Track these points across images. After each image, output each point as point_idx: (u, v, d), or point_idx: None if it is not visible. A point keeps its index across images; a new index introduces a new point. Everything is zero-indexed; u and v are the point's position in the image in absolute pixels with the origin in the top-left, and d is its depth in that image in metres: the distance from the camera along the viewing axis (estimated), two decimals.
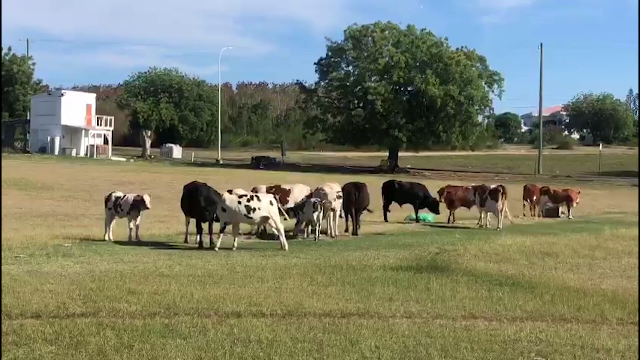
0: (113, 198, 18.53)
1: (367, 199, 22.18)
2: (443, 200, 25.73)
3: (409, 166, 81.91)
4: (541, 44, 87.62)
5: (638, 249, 16.62)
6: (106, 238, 17.91)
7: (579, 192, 31.51)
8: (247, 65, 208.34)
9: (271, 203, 17.33)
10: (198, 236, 17.62)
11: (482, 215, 24.70)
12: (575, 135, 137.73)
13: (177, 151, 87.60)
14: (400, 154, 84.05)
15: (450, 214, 25.78)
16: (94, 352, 7.82)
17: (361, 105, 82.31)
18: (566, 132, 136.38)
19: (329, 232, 20.33)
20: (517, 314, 10.40)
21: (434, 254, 16.47)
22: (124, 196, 18.56)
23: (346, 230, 21.52)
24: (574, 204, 30.19)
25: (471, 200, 25.45)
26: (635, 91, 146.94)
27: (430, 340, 8.70)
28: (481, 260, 15.53)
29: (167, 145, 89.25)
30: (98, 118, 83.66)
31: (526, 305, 10.93)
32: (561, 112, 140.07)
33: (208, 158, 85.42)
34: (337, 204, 20.41)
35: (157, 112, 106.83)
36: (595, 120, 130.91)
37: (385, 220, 25.18)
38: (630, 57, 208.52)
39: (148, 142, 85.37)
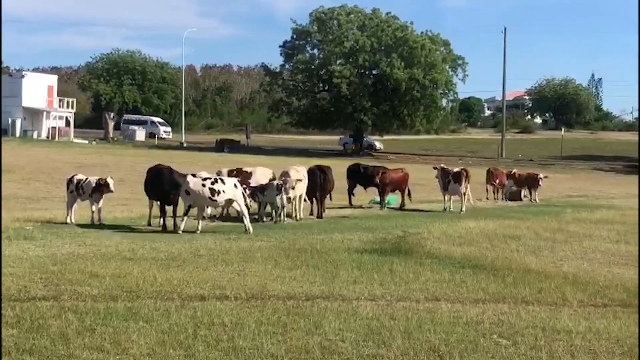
0: (75, 181, 18.37)
1: (332, 182, 22.24)
2: (378, 182, 24.83)
3: (373, 150, 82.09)
4: (504, 28, 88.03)
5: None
6: (68, 221, 17.76)
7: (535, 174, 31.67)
8: (211, 48, 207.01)
9: (235, 186, 17.30)
10: (161, 219, 17.55)
11: (446, 199, 24.83)
12: (538, 120, 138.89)
13: (140, 134, 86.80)
14: (365, 137, 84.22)
15: (382, 198, 25.20)
16: (56, 336, 7.74)
17: (326, 88, 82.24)
18: (529, 117, 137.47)
19: (293, 215, 20.33)
20: (479, 296, 10.49)
21: (398, 237, 16.56)
22: (86, 179, 18.41)
23: (311, 213, 21.56)
24: (538, 187, 30.50)
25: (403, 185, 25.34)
26: (597, 76, 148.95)
27: (393, 322, 8.75)
28: (444, 243, 15.64)
29: (130, 127, 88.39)
30: (60, 100, 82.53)
31: (488, 287, 11.03)
32: (524, 97, 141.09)
33: (172, 141, 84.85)
34: (302, 187, 20.40)
35: (119, 94, 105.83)
36: (557, 104, 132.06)
37: (350, 203, 25.23)
38: (592, 42, 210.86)
39: (110, 125, 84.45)
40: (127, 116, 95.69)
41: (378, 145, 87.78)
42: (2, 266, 11.27)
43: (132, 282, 10.41)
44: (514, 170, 32.34)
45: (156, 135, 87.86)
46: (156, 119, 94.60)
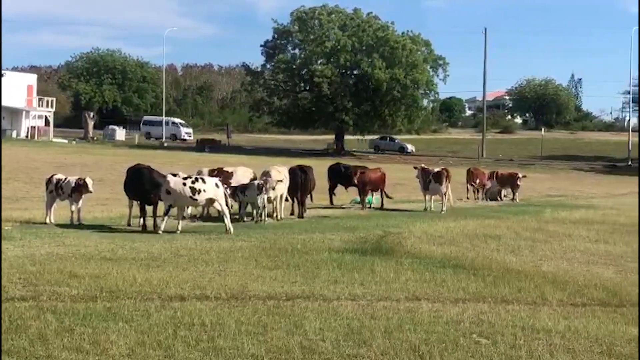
0: (54, 180, 18.27)
1: (313, 182, 22.24)
2: (356, 182, 24.75)
3: (355, 149, 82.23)
4: (485, 29, 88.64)
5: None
6: (47, 221, 17.65)
7: (515, 173, 31.84)
8: (192, 47, 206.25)
9: (217, 185, 17.24)
10: (141, 219, 17.46)
11: (427, 199, 24.88)
12: (518, 120, 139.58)
13: (120, 133, 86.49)
14: (346, 137, 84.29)
15: (361, 197, 24.91)
16: (35, 336, 7.69)
17: (307, 88, 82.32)
18: (509, 117, 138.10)
19: (274, 215, 20.31)
20: (459, 295, 10.51)
21: (378, 236, 16.56)
22: (66, 179, 18.30)
23: (292, 213, 21.54)
24: (518, 187, 30.59)
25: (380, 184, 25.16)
26: (577, 76, 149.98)
27: (374, 322, 8.75)
28: (425, 243, 15.66)
29: (110, 127, 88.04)
30: (39, 99, 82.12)
31: (469, 287, 11.06)
32: (504, 97, 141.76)
33: (152, 140, 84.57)
34: (283, 187, 20.38)
35: (99, 93, 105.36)
36: (537, 104, 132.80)
37: (331, 203, 25.24)
38: (572, 43, 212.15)
39: (90, 124, 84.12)
40: (146, 117, 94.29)
41: (410, 147, 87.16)
42: None
43: (112, 282, 10.35)
44: (497, 171, 32.51)
45: (177, 137, 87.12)
46: (177, 120, 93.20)
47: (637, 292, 11.07)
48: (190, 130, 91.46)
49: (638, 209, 23.56)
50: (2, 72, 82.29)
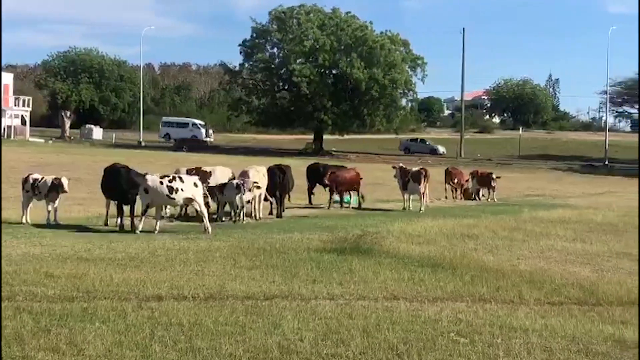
0: (31, 180, 18.15)
1: (291, 181, 22.22)
2: (327, 182, 24.52)
3: (333, 149, 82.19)
4: (463, 29, 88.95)
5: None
6: (23, 221, 17.53)
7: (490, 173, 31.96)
8: (169, 46, 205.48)
9: (195, 185, 17.17)
10: (119, 219, 17.36)
11: (405, 198, 24.92)
12: (497, 119, 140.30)
13: (97, 132, 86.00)
14: (325, 137, 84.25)
15: (330, 198, 24.67)
16: (11, 337, 7.64)
17: (286, 87, 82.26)
18: (487, 116, 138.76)
19: (253, 214, 20.26)
20: (437, 294, 10.54)
21: (357, 236, 16.54)
22: (42, 178, 18.18)
23: (270, 212, 21.50)
24: (494, 187, 30.69)
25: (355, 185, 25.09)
26: (554, 76, 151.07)
27: (352, 321, 8.75)
28: (404, 242, 15.67)
29: (87, 126, 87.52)
30: (16, 98, 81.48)
31: (447, 286, 11.09)
32: (483, 97, 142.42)
33: (130, 140, 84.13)
34: (262, 186, 20.33)
35: (76, 92, 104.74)
36: (515, 104, 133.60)
37: (310, 203, 25.22)
38: (549, 43, 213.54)
39: (67, 123, 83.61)
40: (165, 118, 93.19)
41: (442, 149, 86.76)
42: None
43: (89, 282, 10.29)
44: (477, 170, 32.65)
45: (198, 138, 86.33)
46: (197, 121, 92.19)
47: (615, 291, 11.15)
48: (210, 131, 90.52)
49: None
50: None
